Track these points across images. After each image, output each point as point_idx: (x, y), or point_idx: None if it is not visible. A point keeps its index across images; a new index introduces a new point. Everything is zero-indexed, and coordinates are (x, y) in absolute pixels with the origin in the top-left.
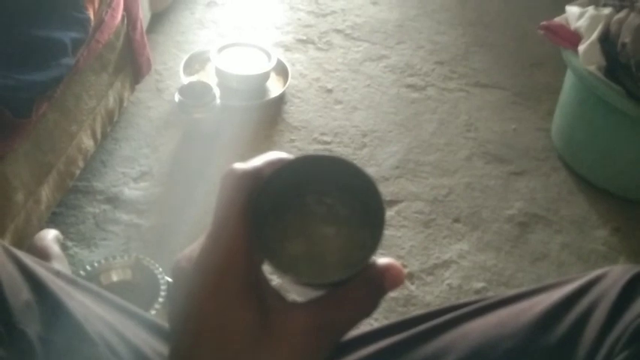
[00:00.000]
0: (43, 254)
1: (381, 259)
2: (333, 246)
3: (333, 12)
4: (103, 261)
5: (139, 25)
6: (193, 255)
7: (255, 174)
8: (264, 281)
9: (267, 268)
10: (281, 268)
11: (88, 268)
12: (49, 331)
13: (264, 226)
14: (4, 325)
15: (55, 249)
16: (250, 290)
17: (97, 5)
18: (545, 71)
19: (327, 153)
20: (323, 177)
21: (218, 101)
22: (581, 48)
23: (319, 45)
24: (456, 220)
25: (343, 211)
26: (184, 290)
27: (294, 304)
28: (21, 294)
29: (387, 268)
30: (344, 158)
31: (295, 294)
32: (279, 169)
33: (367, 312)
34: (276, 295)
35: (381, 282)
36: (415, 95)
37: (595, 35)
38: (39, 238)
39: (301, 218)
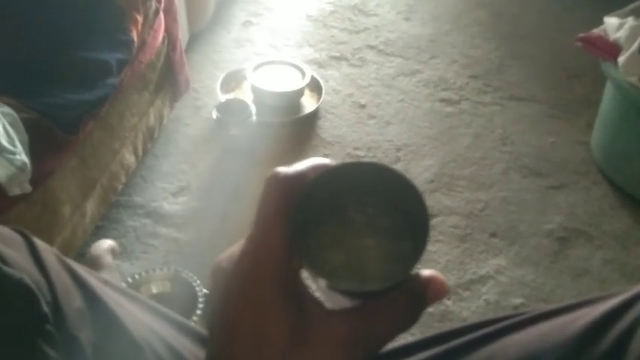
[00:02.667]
0: (95, 264)
1: (424, 271)
2: (374, 257)
3: (366, 28)
4: (143, 273)
5: (178, 46)
6: (234, 257)
7: (299, 178)
8: (302, 287)
9: (305, 275)
10: (321, 275)
11: (129, 280)
12: (99, 337)
13: (306, 234)
14: (58, 331)
15: (107, 259)
16: (288, 295)
17: (140, 28)
18: (582, 83)
19: (371, 160)
20: (366, 183)
21: (254, 118)
22: (621, 59)
23: (352, 61)
24: (493, 235)
25: (385, 222)
26: (222, 292)
27: (333, 312)
28: (74, 301)
29: (430, 281)
30: (388, 166)
31: (331, 304)
32: (323, 174)
33: (407, 324)
34: (315, 301)
35: (423, 294)
36: (449, 109)
37: (635, 46)
38: (94, 247)
39: (343, 228)
